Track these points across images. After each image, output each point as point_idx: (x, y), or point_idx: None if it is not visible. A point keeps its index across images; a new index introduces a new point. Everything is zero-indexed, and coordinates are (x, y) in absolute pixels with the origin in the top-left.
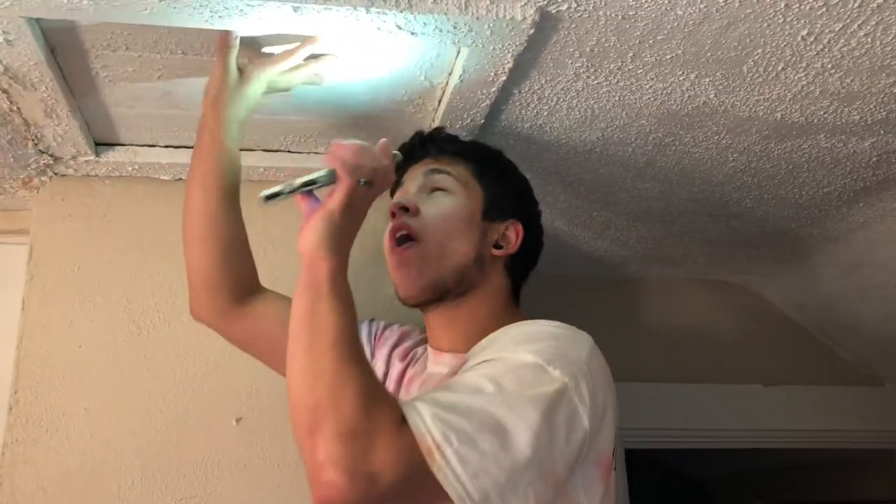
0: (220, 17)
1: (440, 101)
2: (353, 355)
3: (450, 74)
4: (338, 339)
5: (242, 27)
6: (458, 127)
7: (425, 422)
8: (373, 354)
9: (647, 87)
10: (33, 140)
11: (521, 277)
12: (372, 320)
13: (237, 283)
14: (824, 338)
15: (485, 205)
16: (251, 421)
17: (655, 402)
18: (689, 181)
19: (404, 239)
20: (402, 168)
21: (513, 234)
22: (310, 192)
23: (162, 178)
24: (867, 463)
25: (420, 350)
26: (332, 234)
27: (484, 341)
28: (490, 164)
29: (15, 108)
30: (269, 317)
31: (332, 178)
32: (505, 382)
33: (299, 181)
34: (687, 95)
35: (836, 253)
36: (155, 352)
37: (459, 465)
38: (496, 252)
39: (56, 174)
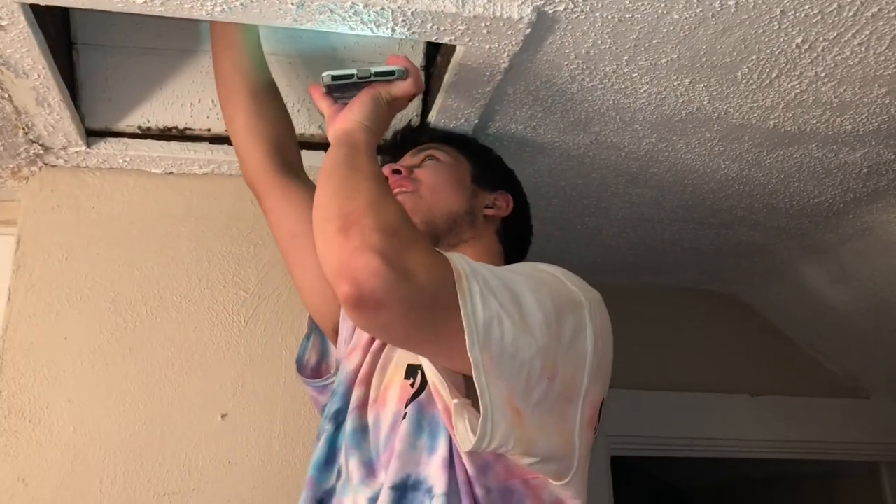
0: (221, 10)
1: (434, 99)
2: (392, 197)
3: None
4: (378, 178)
5: (243, 19)
6: (452, 125)
7: (456, 264)
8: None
9: (642, 91)
10: (24, 129)
11: (514, 248)
12: None
13: (278, 149)
14: (811, 349)
15: (474, 173)
16: (236, 417)
17: (642, 409)
18: (681, 188)
19: (406, 191)
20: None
21: (503, 203)
22: (369, 84)
23: (153, 171)
24: (852, 475)
25: None
26: (377, 117)
27: None
28: (477, 148)
29: (6, 96)
30: (299, 199)
31: (404, 75)
32: (527, 273)
33: (376, 69)
34: (681, 101)
35: (824, 264)
36: (141, 345)
37: (480, 302)
38: (488, 212)
39: (46, 164)
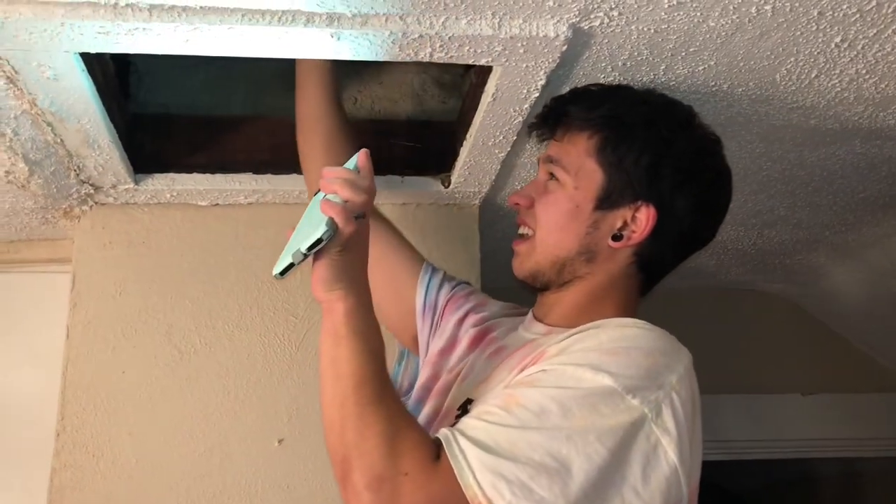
0: (259, 47)
1: (472, 119)
2: (376, 397)
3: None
4: (359, 383)
5: (281, 54)
6: (490, 144)
7: (473, 471)
8: (435, 307)
9: (680, 96)
10: (75, 170)
11: (661, 268)
12: (445, 274)
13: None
14: (862, 345)
15: (602, 192)
16: (293, 442)
17: None
18: None
19: (521, 235)
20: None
21: (643, 219)
22: (321, 250)
23: (199, 203)
24: None
25: (504, 321)
26: (340, 274)
27: (572, 333)
28: (622, 134)
29: (59, 140)
30: None
31: (334, 230)
32: (573, 409)
33: (305, 246)
34: (720, 106)
35: (871, 259)
36: (196, 375)
37: None
38: (613, 244)
39: (96, 203)
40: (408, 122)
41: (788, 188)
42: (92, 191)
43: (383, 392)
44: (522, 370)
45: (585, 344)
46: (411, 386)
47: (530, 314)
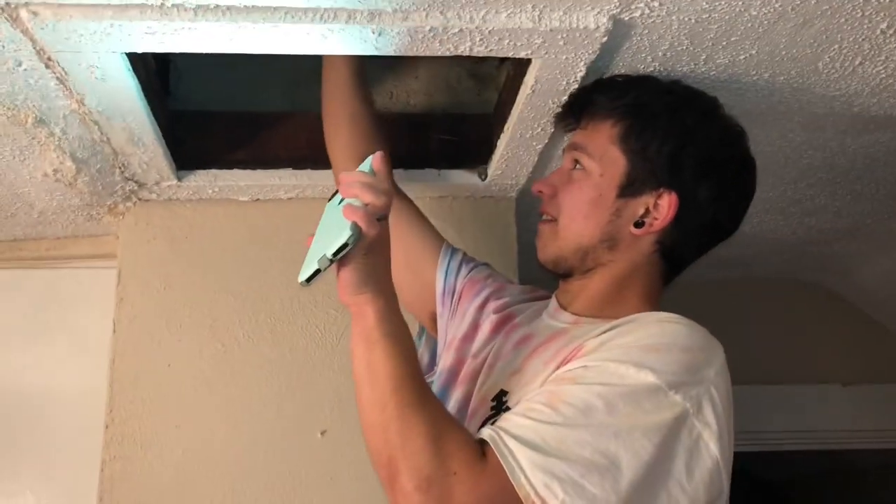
0: (303, 44)
1: (510, 112)
2: (416, 398)
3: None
4: (398, 386)
5: (324, 50)
6: (528, 136)
7: (524, 471)
8: (453, 291)
9: (721, 86)
10: (120, 168)
11: (683, 256)
12: (465, 255)
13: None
14: None
15: (624, 179)
16: (336, 433)
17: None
18: (762, 180)
19: (546, 219)
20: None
21: (664, 206)
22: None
23: (240, 199)
24: None
25: (525, 307)
26: (366, 277)
27: (608, 328)
28: (644, 124)
29: (105, 139)
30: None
31: (359, 235)
32: (619, 405)
33: (330, 251)
34: (761, 95)
35: None
36: (240, 368)
37: None
38: (635, 231)
39: (140, 199)
40: (443, 116)
41: (829, 176)
42: (136, 187)
43: (422, 393)
44: (560, 365)
45: (625, 340)
46: (432, 361)
47: (554, 301)
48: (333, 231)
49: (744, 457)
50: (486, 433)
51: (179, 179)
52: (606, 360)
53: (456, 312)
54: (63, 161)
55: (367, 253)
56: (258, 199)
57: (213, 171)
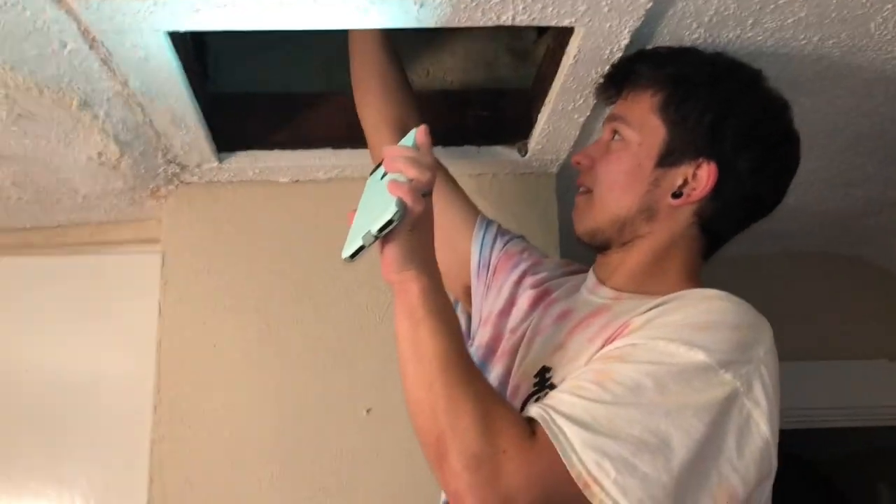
0: (346, 19)
1: (551, 84)
2: (464, 376)
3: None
4: (445, 364)
5: (367, 24)
6: (569, 108)
7: (576, 450)
8: (488, 265)
9: (768, 52)
10: (163, 150)
11: (722, 230)
12: (500, 227)
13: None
14: None
15: (663, 148)
16: (380, 410)
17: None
18: (807, 150)
19: (583, 192)
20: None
21: (703, 176)
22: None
23: (280, 180)
24: None
25: (563, 281)
26: (411, 254)
27: (654, 305)
28: (685, 93)
29: (148, 121)
30: None
31: (403, 210)
32: (669, 384)
33: (375, 227)
34: (809, 59)
35: None
36: (286, 348)
37: (621, 496)
38: (673, 202)
39: (182, 182)
40: (481, 92)
41: (878, 144)
42: (178, 170)
43: (469, 370)
44: (606, 343)
45: (673, 318)
46: (468, 334)
47: (592, 275)
48: (377, 207)
49: (788, 435)
50: (535, 411)
51: (220, 161)
52: (656, 338)
53: (491, 287)
54: (107, 144)
55: (411, 229)
56: (298, 181)
57: (253, 153)
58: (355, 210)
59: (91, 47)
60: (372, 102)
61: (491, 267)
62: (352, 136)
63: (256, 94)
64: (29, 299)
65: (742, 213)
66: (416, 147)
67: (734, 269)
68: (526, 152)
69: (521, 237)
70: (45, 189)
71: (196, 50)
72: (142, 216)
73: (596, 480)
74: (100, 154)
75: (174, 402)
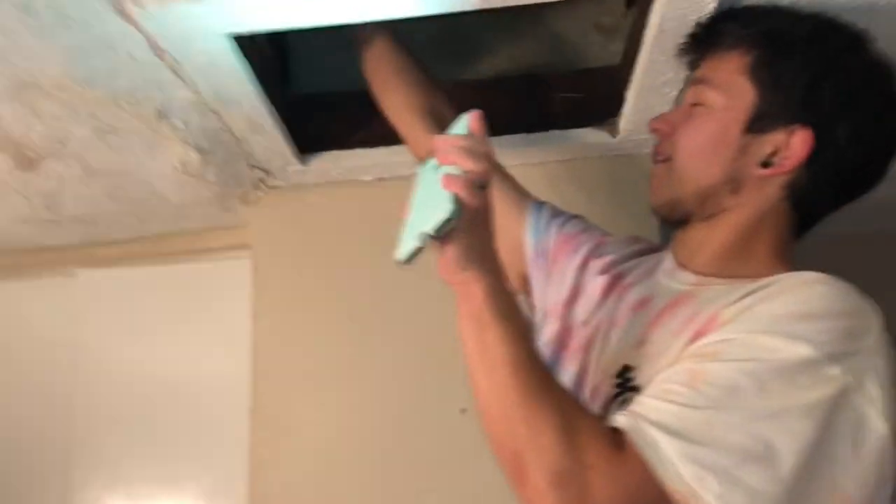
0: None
1: (637, 58)
2: (540, 385)
3: None
4: (517, 371)
5: (426, 12)
6: (659, 83)
7: (673, 463)
8: (546, 252)
9: (880, 11)
10: (245, 156)
11: (816, 206)
12: (553, 209)
13: (438, 118)
14: None
15: (753, 112)
16: (475, 410)
17: None
18: None
19: (661, 160)
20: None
21: (797, 144)
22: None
23: (364, 178)
24: None
25: (634, 263)
26: (470, 252)
27: (746, 293)
28: (779, 52)
29: (226, 127)
30: None
31: (460, 206)
32: (771, 385)
33: (432, 227)
34: None
35: None
36: (378, 350)
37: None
38: (762, 171)
39: (269, 187)
40: (567, 73)
41: None
42: (263, 175)
43: (544, 377)
44: (694, 338)
45: (769, 307)
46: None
47: (670, 256)
48: (431, 203)
49: None
50: (623, 421)
51: (304, 163)
52: (752, 331)
53: (552, 275)
54: (188, 153)
55: (470, 226)
56: (382, 178)
57: (336, 153)
58: (407, 205)
59: (158, 56)
60: (398, 95)
61: (549, 253)
62: None
63: (336, 94)
64: (132, 309)
65: (838, 187)
66: (469, 135)
67: (840, 249)
68: (617, 133)
69: (579, 216)
70: (138, 200)
71: (275, 53)
72: (236, 222)
73: (696, 496)
74: (183, 163)
75: (269, 408)
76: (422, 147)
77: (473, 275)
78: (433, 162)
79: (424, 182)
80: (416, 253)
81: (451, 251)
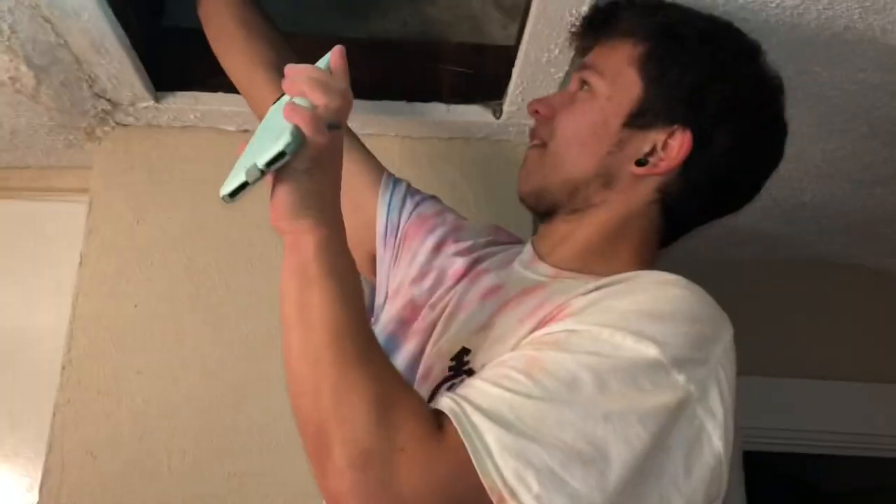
0: None
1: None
2: (360, 353)
3: None
4: (337, 336)
5: None
6: (544, 61)
7: (492, 455)
8: (397, 229)
9: (773, 6)
10: (87, 81)
11: (684, 215)
12: (409, 186)
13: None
14: None
15: (636, 106)
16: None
17: (780, 399)
18: (826, 135)
19: (536, 145)
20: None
21: (675, 146)
22: (283, 166)
23: (227, 128)
24: None
25: (493, 251)
26: (307, 198)
27: (599, 285)
28: (671, 47)
29: (62, 42)
30: None
31: (299, 141)
32: (611, 383)
33: (263, 160)
34: (824, 17)
35: None
36: (214, 316)
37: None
38: (636, 170)
39: (118, 123)
40: (459, 47)
41: None
42: (109, 107)
43: (368, 347)
44: (539, 326)
45: (621, 302)
46: (371, 310)
47: (529, 248)
48: (271, 136)
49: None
50: (446, 403)
51: (158, 101)
52: (598, 324)
53: (401, 255)
54: (18, 66)
55: (310, 167)
56: (246, 130)
57: (195, 94)
58: (247, 141)
59: None
60: (237, 47)
61: (400, 232)
62: None
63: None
64: None
65: (709, 198)
66: (328, 70)
67: (743, 276)
68: (501, 114)
69: (435, 198)
70: None
71: None
72: (84, 163)
73: (514, 494)
74: (13, 80)
75: (84, 363)
76: (263, 103)
77: (307, 224)
78: (287, 97)
79: (269, 118)
80: (242, 189)
81: (285, 194)
